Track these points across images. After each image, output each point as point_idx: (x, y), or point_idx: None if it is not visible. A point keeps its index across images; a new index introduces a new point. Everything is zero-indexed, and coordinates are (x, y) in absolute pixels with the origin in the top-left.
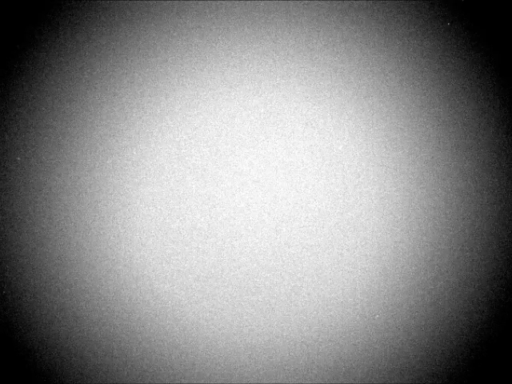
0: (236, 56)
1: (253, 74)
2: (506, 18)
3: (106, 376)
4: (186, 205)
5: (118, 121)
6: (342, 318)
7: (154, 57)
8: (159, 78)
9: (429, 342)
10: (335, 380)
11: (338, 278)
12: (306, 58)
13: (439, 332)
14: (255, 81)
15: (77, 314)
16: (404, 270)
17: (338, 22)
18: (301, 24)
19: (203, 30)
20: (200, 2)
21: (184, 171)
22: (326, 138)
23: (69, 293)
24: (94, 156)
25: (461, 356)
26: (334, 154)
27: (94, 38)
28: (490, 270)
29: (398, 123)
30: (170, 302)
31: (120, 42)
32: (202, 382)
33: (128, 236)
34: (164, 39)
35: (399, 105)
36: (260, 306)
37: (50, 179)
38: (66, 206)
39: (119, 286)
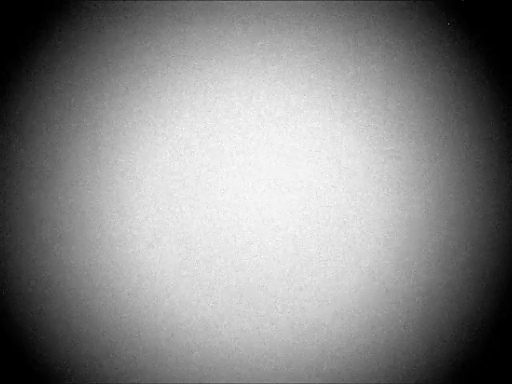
0: (240, 57)
1: (256, 73)
2: (506, 17)
3: (107, 376)
4: (187, 205)
5: (120, 121)
6: (343, 318)
7: (157, 56)
8: (162, 77)
9: (430, 342)
10: (336, 380)
11: (341, 280)
12: (307, 61)
13: (440, 331)
14: (259, 80)
15: (77, 313)
16: (406, 271)
17: (339, 23)
18: (306, 25)
19: (205, 30)
20: (204, 3)
21: (186, 172)
22: (328, 138)
23: (69, 293)
24: (96, 156)
25: (460, 356)
26: (336, 155)
27: (96, 37)
28: (490, 270)
29: (399, 122)
30: (170, 301)
31: (121, 41)
32: (203, 382)
33: (129, 237)
34: (165, 40)
35: (399, 104)
36: (261, 306)
37: (51, 180)
38: (66, 206)
39: (120, 286)
